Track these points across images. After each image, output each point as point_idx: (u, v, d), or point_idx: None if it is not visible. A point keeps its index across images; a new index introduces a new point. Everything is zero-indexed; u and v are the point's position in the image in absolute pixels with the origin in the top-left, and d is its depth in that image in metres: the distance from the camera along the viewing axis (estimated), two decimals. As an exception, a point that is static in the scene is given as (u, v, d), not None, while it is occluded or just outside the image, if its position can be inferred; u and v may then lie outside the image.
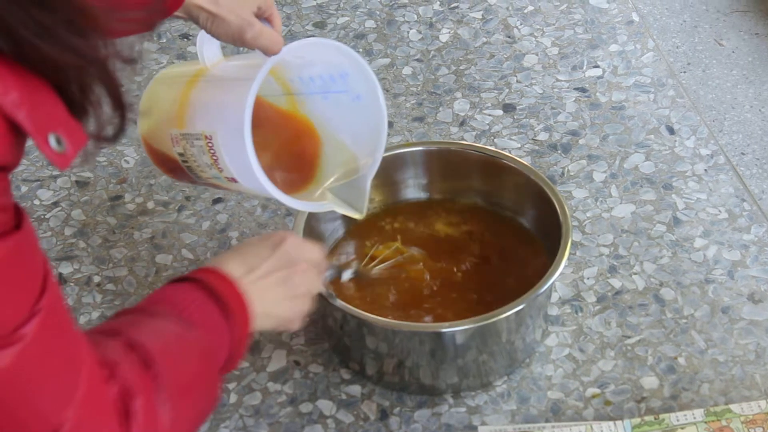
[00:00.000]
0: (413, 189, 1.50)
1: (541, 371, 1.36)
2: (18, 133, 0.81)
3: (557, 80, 1.76)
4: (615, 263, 1.47)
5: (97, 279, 1.50)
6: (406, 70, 1.80)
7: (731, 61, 2.16)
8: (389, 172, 1.46)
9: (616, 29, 1.85)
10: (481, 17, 1.89)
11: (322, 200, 1.33)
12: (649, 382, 1.34)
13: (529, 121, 1.69)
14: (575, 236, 1.50)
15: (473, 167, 1.48)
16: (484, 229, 1.47)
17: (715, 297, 1.43)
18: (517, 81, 1.76)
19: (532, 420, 1.31)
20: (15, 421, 0.88)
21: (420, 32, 1.87)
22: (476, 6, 1.91)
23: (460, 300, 1.37)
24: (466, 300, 1.37)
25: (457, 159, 1.48)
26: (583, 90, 1.73)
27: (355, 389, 1.35)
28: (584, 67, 1.78)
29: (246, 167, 1.19)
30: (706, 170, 1.59)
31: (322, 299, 1.28)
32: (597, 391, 1.33)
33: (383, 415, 1.32)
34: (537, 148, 1.64)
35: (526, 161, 1.46)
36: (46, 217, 1.59)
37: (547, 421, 1.31)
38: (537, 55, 1.81)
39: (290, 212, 1.57)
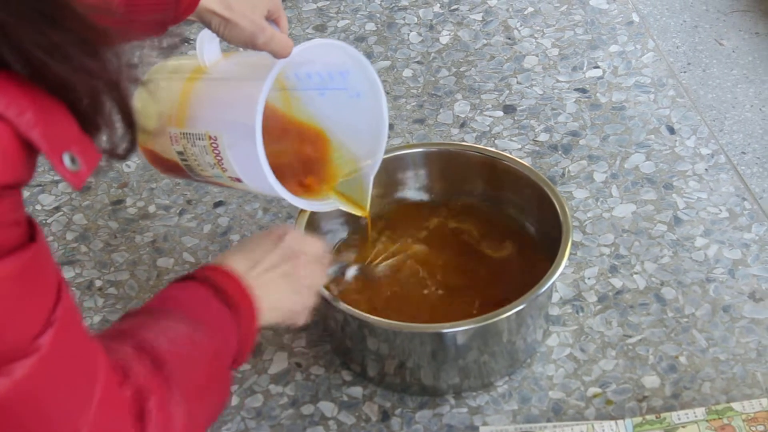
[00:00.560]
0: (414, 190, 1.50)
1: (543, 371, 1.36)
2: (32, 151, 0.82)
3: (557, 81, 1.76)
4: (616, 263, 1.47)
5: (98, 283, 1.51)
6: (407, 73, 1.80)
7: (731, 61, 2.16)
8: (390, 174, 1.46)
9: (616, 30, 1.85)
10: (481, 19, 1.89)
11: (327, 199, 1.33)
12: (651, 381, 1.34)
13: (530, 122, 1.69)
14: (576, 236, 1.50)
15: (474, 168, 1.48)
16: (485, 230, 1.47)
17: (716, 296, 1.43)
18: (517, 82, 1.76)
19: (534, 420, 1.31)
20: (33, 430, 0.88)
21: (420, 34, 1.87)
22: (476, 8, 1.92)
23: (461, 300, 1.37)
24: (466, 300, 1.37)
25: (457, 160, 1.48)
26: (583, 91, 1.74)
27: (357, 391, 1.35)
28: (584, 68, 1.78)
29: (255, 170, 1.20)
30: (706, 169, 1.59)
31: (324, 302, 1.28)
32: (598, 390, 1.33)
33: (385, 416, 1.32)
34: (537, 149, 1.64)
35: (526, 162, 1.46)
36: (48, 221, 1.60)
37: (548, 421, 1.31)
38: (537, 56, 1.81)
39: (291, 215, 1.57)
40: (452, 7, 1.92)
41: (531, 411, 1.32)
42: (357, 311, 1.27)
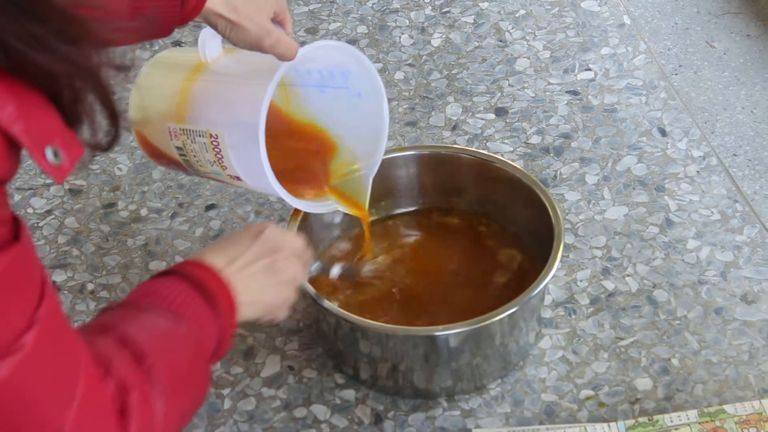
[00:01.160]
0: (406, 193, 1.50)
1: (535, 374, 1.36)
2: (13, 146, 0.81)
3: (549, 83, 1.76)
4: (608, 265, 1.47)
5: (90, 286, 1.50)
6: (399, 75, 1.80)
7: (723, 63, 2.17)
8: (382, 176, 1.46)
9: (607, 32, 1.85)
10: (472, 22, 1.89)
11: (325, 200, 1.34)
12: (643, 383, 1.34)
13: (522, 124, 1.69)
14: (568, 239, 1.50)
15: (466, 171, 1.48)
16: (476, 232, 1.47)
17: (708, 298, 1.43)
18: (509, 85, 1.76)
19: (527, 422, 1.31)
20: (16, 428, 0.88)
21: (412, 37, 1.87)
22: (468, 11, 1.92)
23: (453, 303, 1.37)
24: (458, 303, 1.37)
25: (449, 163, 1.48)
26: (575, 93, 1.74)
27: (349, 394, 1.35)
28: (576, 70, 1.78)
29: (257, 170, 1.20)
30: (698, 172, 1.60)
31: (312, 301, 1.28)
32: (591, 393, 1.33)
33: (377, 419, 1.32)
34: (529, 151, 1.64)
35: (518, 165, 1.46)
36: (40, 225, 1.59)
37: (541, 423, 1.31)
38: (529, 58, 1.81)
39: (284, 217, 1.57)
40: (444, 10, 1.92)
41: (524, 414, 1.32)
42: (349, 314, 1.27)
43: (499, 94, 1.75)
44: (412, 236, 1.47)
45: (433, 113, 1.72)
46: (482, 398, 1.34)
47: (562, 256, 1.32)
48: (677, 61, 2.17)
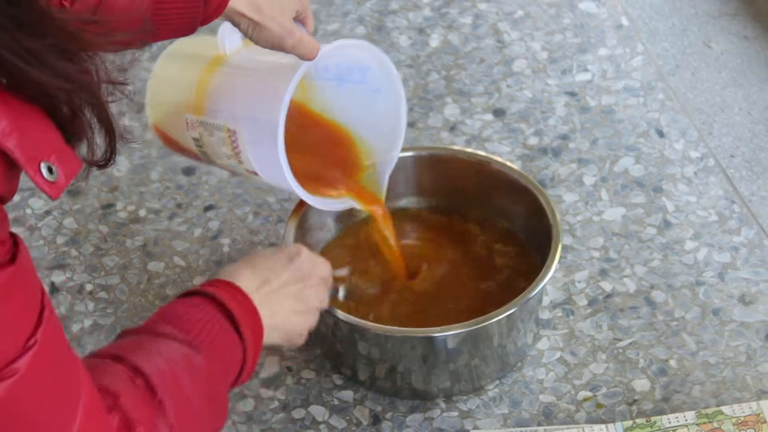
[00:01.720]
0: (404, 194, 1.50)
1: (533, 375, 1.36)
2: (11, 164, 0.80)
3: (547, 84, 1.76)
4: (606, 266, 1.48)
5: (89, 287, 1.50)
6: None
7: (720, 64, 2.17)
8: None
9: (605, 33, 1.85)
10: (471, 22, 1.89)
11: (341, 198, 1.34)
12: (641, 384, 1.34)
13: (520, 125, 1.69)
14: (566, 240, 1.50)
15: (464, 172, 1.48)
16: (474, 233, 1.47)
17: (706, 299, 1.43)
18: (507, 86, 1.76)
19: (525, 424, 1.31)
20: None
21: (410, 38, 1.87)
22: (466, 11, 1.92)
23: (451, 304, 1.38)
24: (456, 304, 1.37)
25: (447, 164, 1.49)
26: (572, 94, 1.74)
27: (348, 395, 1.35)
28: (574, 71, 1.78)
29: (274, 168, 1.21)
30: (695, 173, 1.60)
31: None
32: (589, 394, 1.33)
33: (376, 420, 1.33)
34: (527, 152, 1.64)
35: (516, 166, 1.47)
36: (38, 225, 1.59)
37: (539, 424, 1.31)
38: (527, 59, 1.81)
39: (282, 218, 1.57)
40: (442, 11, 1.92)
41: (522, 415, 1.32)
42: (348, 315, 1.27)
43: (497, 94, 1.75)
44: (409, 237, 1.47)
45: (431, 114, 1.72)
46: (480, 399, 1.34)
47: (560, 257, 1.32)
48: (675, 63, 2.17)
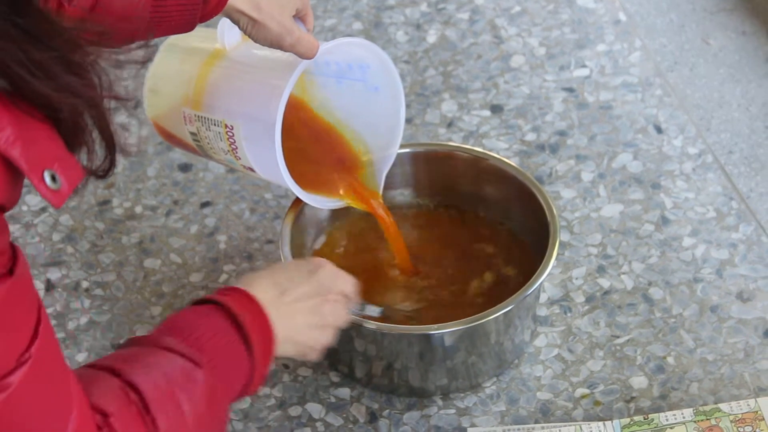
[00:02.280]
0: (401, 191, 1.49)
1: (530, 372, 1.36)
2: (14, 172, 0.80)
3: (545, 80, 1.76)
4: (603, 263, 1.47)
5: (85, 284, 1.50)
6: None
7: (718, 60, 2.17)
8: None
9: (603, 29, 1.85)
10: (468, 18, 1.89)
11: (336, 195, 1.34)
12: (639, 381, 1.34)
13: (517, 121, 1.69)
14: (563, 236, 1.50)
15: (461, 168, 1.48)
16: (472, 230, 1.47)
17: (704, 296, 1.43)
18: (504, 81, 1.76)
19: (522, 421, 1.31)
20: None
21: (407, 34, 1.87)
22: (463, 7, 1.91)
23: (448, 301, 1.37)
24: (452, 300, 1.37)
25: (445, 160, 1.48)
26: (570, 90, 1.73)
27: (344, 392, 1.35)
28: (572, 67, 1.78)
29: (271, 165, 1.21)
30: (694, 169, 1.59)
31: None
32: (586, 391, 1.33)
33: (372, 417, 1.32)
34: (525, 148, 1.64)
35: (514, 162, 1.46)
36: (34, 222, 1.59)
37: (536, 422, 1.30)
38: (524, 55, 1.81)
39: (279, 215, 1.56)
40: (439, 6, 1.92)
41: (519, 412, 1.32)
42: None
43: (495, 91, 1.74)
44: (406, 234, 1.47)
45: (428, 110, 1.72)
46: (477, 396, 1.33)
47: (558, 254, 1.32)
48: (673, 58, 2.17)
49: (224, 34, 1.28)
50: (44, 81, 0.79)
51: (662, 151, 1.62)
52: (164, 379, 1.00)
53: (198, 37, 1.33)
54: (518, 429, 1.29)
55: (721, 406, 1.29)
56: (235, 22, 1.18)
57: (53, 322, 1.43)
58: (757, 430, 1.26)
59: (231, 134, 1.24)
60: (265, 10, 1.16)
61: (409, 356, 1.29)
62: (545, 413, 1.31)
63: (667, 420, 1.28)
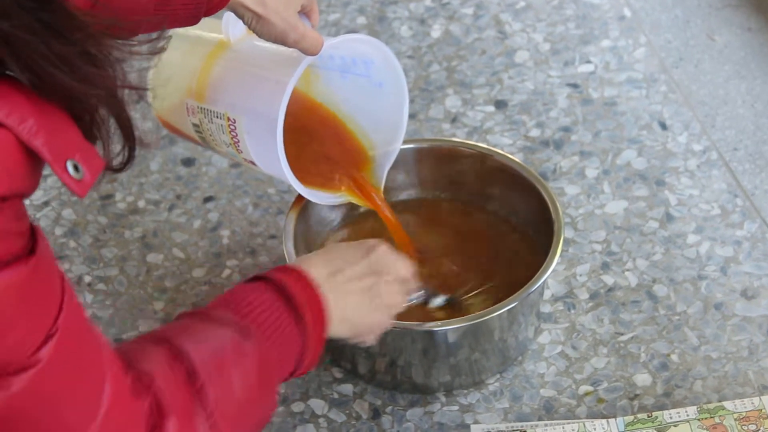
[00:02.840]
0: (405, 187, 1.49)
1: (534, 369, 1.35)
2: (34, 160, 0.81)
3: (549, 76, 1.75)
4: (607, 260, 1.47)
5: (88, 279, 1.50)
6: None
7: (723, 57, 2.16)
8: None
9: (608, 25, 1.85)
10: (472, 13, 1.89)
11: (337, 192, 1.34)
12: (642, 379, 1.33)
13: (521, 117, 1.68)
14: (567, 233, 1.50)
15: (465, 164, 1.47)
16: (476, 226, 1.47)
17: (708, 293, 1.42)
18: (508, 77, 1.75)
19: (525, 418, 1.30)
20: None
21: (411, 28, 1.86)
22: (467, 2, 1.91)
23: (451, 296, 1.37)
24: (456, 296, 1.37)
25: (449, 156, 1.48)
26: (575, 86, 1.73)
27: (347, 388, 1.35)
28: (576, 63, 1.77)
29: (272, 160, 1.21)
30: (698, 166, 1.59)
31: None
32: (590, 388, 1.33)
33: (375, 414, 1.32)
34: (529, 144, 1.64)
35: (518, 158, 1.46)
36: (37, 216, 1.59)
37: (539, 419, 1.30)
38: (529, 51, 1.80)
39: (282, 210, 1.56)
40: (443, 1, 1.91)
41: (522, 409, 1.31)
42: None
43: (499, 86, 1.74)
44: (410, 229, 1.46)
45: (432, 105, 1.71)
46: (481, 393, 1.33)
47: (562, 251, 1.31)
48: (678, 55, 2.16)
49: (229, 26, 1.28)
50: (68, 74, 0.79)
51: (667, 147, 1.62)
52: (213, 348, 1.00)
53: (201, 28, 1.32)
54: (521, 426, 1.29)
55: (725, 404, 1.29)
56: (240, 17, 1.18)
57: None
58: (762, 428, 1.26)
59: (233, 127, 1.24)
60: (270, 6, 1.16)
61: (413, 353, 1.29)
62: (549, 410, 1.31)
63: (670, 418, 1.28)
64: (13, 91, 0.80)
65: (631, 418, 1.28)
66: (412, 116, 1.69)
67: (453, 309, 1.34)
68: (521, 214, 1.44)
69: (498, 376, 1.35)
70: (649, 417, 1.28)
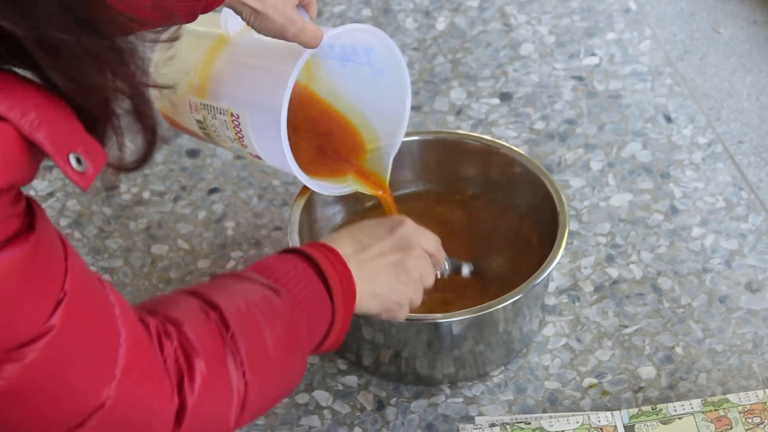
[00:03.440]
0: (410, 179, 1.49)
1: (538, 361, 1.35)
2: (34, 153, 0.82)
3: (554, 69, 1.75)
4: (612, 252, 1.47)
5: (92, 270, 1.49)
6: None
7: (729, 49, 2.16)
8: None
9: (613, 17, 1.84)
10: (477, 5, 1.88)
11: (344, 182, 1.33)
12: (647, 371, 1.33)
13: (526, 110, 1.68)
14: (572, 225, 1.50)
15: (470, 156, 1.47)
16: (480, 218, 1.46)
17: (713, 286, 1.42)
18: (513, 70, 1.75)
19: (529, 410, 1.30)
20: (55, 407, 0.88)
21: (416, 21, 1.86)
22: (473, -6, 1.91)
23: (456, 290, 1.37)
24: (461, 289, 1.37)
25: (453, 148, 1.48)
26: (580, 78, 1.73)
27: (352, 380, 1.35)
28: (581, 56, 1.77)
29: (277, 152, 1.21)
30: (703, 159, 1.59)
31: None
32: (594, 381, 1.33)
33: (380, 405, 1.32)
34: (534, 137, 1.64)
35: (522, 150, 1.46)
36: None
37: (544, 411, 1.30)
38: (534, 43, 1.80)
39: (286, 201, 1.56)
40: (449, -6, 1.91)
41: (526, 401, 1.31)
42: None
43: (504, 78, 1.74)
44: (414, 221, 1.46)
45: (437, 98, 1.71)
46: (485, 385, 1.33)
47: (566, 243, 1.31)
48: (683, 47, 2.16)
49: (228, 21, 1.28)
50: (98, 71, 0.80)
51: (672, 140, 1.62)
52: (245, 302, 1.02)
53: (200, 24, 1.32)
54: (526, 418, 1.29)
55: (730, 396, 1.29)
56: (238, 12, 1.17)
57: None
58: (766, 420, 1.26)
59: (237, 123, 1.24)
60: (268, 1, 1.16)
61: (417, 345, 1.29)
62: (553, 402, 1.31)
63: (675, 410, 1.28)
64: (14, 84, 0.80)
65: (635, 410, 1.28)
66: (416, 108, 1.69)
67: (481, 275, 1.35)
68: (526, 206, 1.44)
69: (502, 368, 1.35)
70: (653, 410, 1.28)
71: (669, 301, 1.41)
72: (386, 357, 1.32)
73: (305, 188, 1.37)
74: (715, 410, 1.27)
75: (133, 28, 0.84)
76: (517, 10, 1.87)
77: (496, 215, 1.46)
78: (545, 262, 1.29)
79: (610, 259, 1.46)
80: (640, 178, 1.56)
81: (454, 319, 1.26)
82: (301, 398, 1.33)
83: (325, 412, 1.32)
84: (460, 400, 1.32)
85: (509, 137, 1.63)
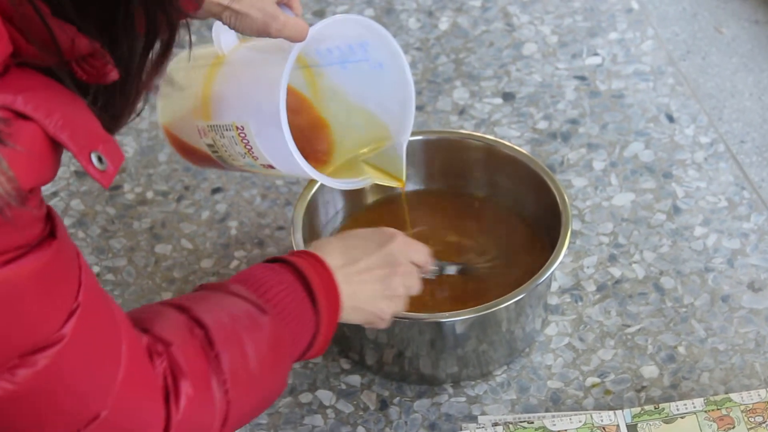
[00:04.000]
0: (413, 178, 1.49)
1: (541, 361, 1.36)
2: (58, 151, 0.83)
3: (557, 68, 1.75)
4: (615, 252, 1.47)
5: (96, 269, 1.50)
6: (406, 59, 1.79)
7: (731, 49, 2.16)
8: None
9: (615, 17, 1.84)
10: (480, 5, 1.88)
11: (360, 175, 1.33)
12: (649, 371, 1.34)
13: (529, 109, 1.68)
14: (575, 225, 1.50)
15: (473, 156, 1.48)
16: (483, 218, 1.47)
17: (715, 286, 1.43)
18: (516, 69, 1.76)
19: (532, 409, 1.31)
20: (58, 413, 0.90)
21: (419, 20, 1.86)
22: (475, -6, 1.91)
23: (459, 289, 1.37)
24: (463, 287, 1.37)
25: (456, 148, 1.48)
26: (582, 78, 1.73)
27: (355, 379, 1.35)
28: (584, 56, 1.77)
29: (284, 154, 1.21)
30: (705, 158, 1.59)
31: None
32: (597, 380, 1.33)
33: (383, 405, 1.32)
34: (537, 136, 1.64)
35: (525, 150, 1.46)
36: (45, 207, 1.59)
37: (546, 410, 1.31)
38: (536, 43, 1.80)
39: (290, 201, 1.56)
40: (451, -6, 1.91)
41: (529, 400, 1.32)
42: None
43: (507, 78, 1.74)
44: (418, 221, 1.46)
45: (440, 98, 1.72)
46: (488, 385, 1.34)
47: (569, 243, 1.32)
48: (685, 47, 2.16)
49: (219, 37, 1.27)
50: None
51: (674, 140, 1.62)
52: (230, 319, 1.03)
53: (199, 50, 1.32)
54: (529, 417, 1.29)
55: (732, 396, 1.29)
56: (219, 17, 1.17)
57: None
58: (768, 420, 1.26)
59: (243, 135, 1.23)
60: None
61: (420, 344, 1.29)
62: (556, 402, 1.31)
63: (677, 410, 1.28)
64: (38, 83, 0.81)
65: (638, 409, 1.28)
66: (419, 108, 1.69)
67: (467, 277, 1.35)
68: (528, 206, 1.45)
69: (505, 367, 1.35)
70: (656, 409, 1.28)
71: (671, 301, 1.41)
72: (389, 356, 1.32)
73: (308, 188, 1.37)
74: (718, 409, 1.28)
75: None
76: (519, 10, 1.87)
77: (498, 215, 1.46)
78: (548, 262, 1.29)
79: (612, 258, 1.46)
80: (642, 177, 1.57)
81: (457, 319, 1.26)
82: (305, 397, 1.33)
83: (329, 411, 1.32)
84: (463, 399, 1.32)
85: (512, 137, 1.63)
